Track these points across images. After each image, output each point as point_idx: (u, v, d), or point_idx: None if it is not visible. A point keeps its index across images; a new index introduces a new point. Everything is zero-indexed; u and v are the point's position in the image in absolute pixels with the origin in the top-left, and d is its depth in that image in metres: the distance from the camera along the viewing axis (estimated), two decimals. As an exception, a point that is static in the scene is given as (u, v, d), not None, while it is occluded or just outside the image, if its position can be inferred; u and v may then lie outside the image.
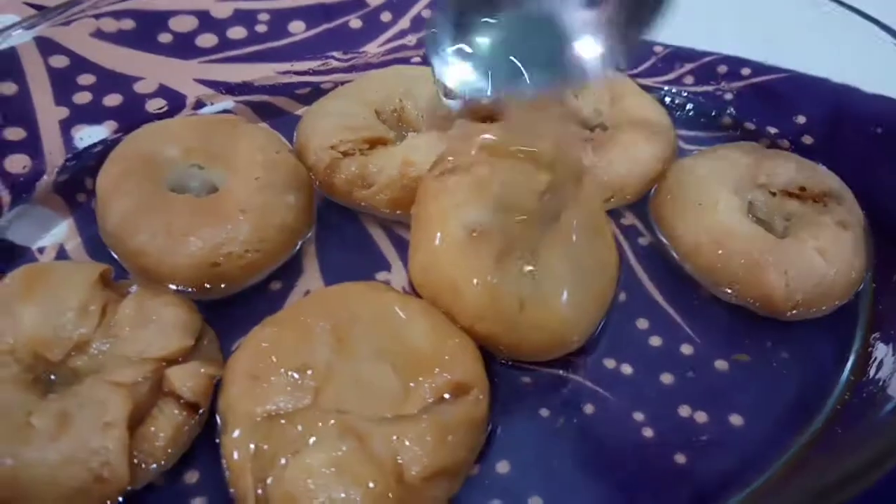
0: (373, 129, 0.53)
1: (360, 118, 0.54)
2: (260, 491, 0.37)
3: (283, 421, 0.38)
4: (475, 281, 0.42)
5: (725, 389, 0.45)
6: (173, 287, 0.47)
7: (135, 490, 0.39)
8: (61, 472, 0.37)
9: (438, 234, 0.44)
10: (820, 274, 0.47)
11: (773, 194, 0.51)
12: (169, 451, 0.40)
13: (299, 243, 0.51)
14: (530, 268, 0.43)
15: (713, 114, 0.62)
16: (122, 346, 0.42)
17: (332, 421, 0.38)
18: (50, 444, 0.37)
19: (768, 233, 0.49)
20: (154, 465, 0.40)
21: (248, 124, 0.54)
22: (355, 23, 0.66)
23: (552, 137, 0.46)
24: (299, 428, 0.38)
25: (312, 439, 0.37)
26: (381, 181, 0.50)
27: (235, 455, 0.38)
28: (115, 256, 0.48)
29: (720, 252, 0.48)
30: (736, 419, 0.44)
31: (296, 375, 0.40)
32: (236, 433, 0.39)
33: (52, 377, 0.42)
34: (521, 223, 0.44)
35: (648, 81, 0.63)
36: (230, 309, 0.48)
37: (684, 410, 0.44)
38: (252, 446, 0.38)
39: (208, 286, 0.47)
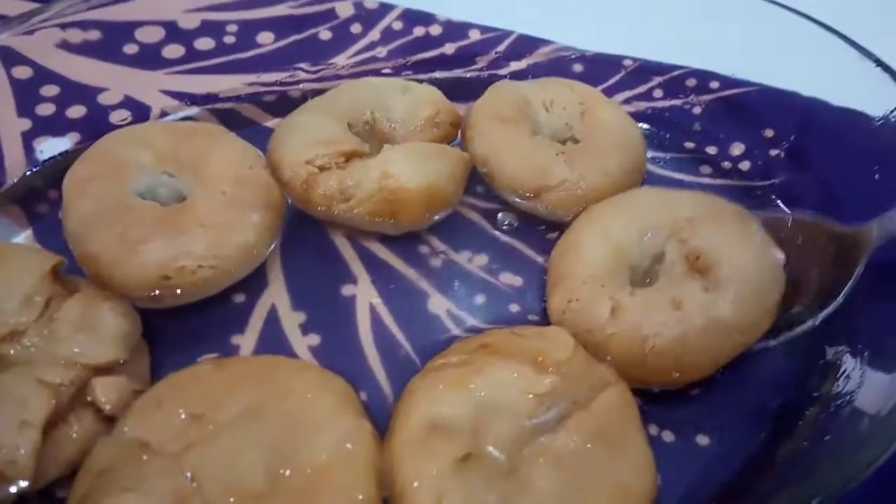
0: (347, 143, 0.52)
1: (333, 131, 0.53)
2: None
3: (145, 456, 0.37)
4: (416, 484, 0.36)
5: (691, 408, 0.45)
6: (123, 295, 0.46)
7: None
8: None
9: (400, 425, 0.39)
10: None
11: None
12: (73, 459, 0.39)
13: (258, 265, 0.50)
14: (502, 482, 0.37)
15: (680, 130, 0.62)
16: (56, 344, 0.41)
17: (177, 483, 0.36)
18: None
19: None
20: (56, 470, 0.39)
21: (226, 135, 0.53)
22: (325, 34, 0.65)
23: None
24: (150, 470, 0.37)
25: (148, 487, 0.36)
26: (360, 195, 0.50)
27: (92, 461, 0.37)
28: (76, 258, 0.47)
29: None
30: (702, 439, 0.44)
31: (191, 422, 0.38)
32: (109, 443, 0.38)
33: None
34: (503, 426, 0.39)
35: (619, 97, 0.63)
36: (190, 319, 0.48)
37: (651, 430, 0.44)
38: (104, 462, 0.37)
39: (156, 298, 0.46)
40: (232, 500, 0.36)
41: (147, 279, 0.45)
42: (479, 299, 0.50)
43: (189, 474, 0.36)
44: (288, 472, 0.37)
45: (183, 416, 0.38)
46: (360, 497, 0.36)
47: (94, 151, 0.50)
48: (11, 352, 0.41)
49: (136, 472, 0.36)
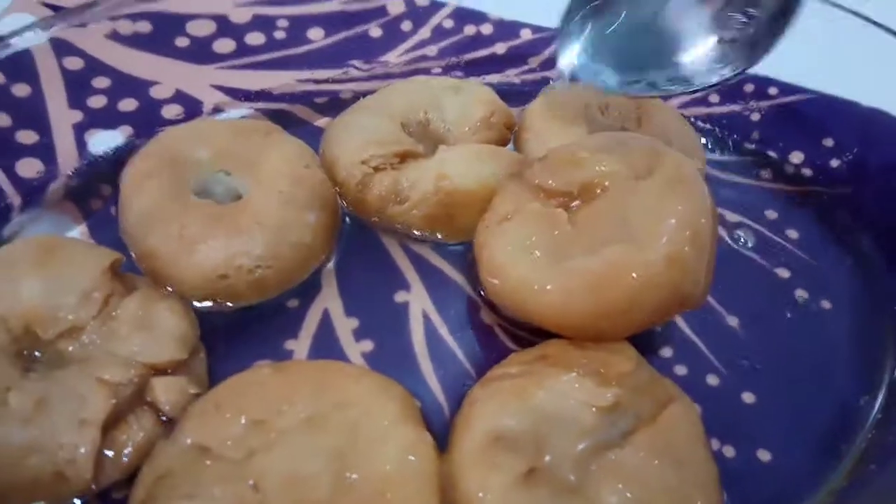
0: (402, 143, 0.51)
1: (387, 131, 0.52)
2: None
3: (208, 462, 0.37)
4: (481, 495, 0.36)
5: (752, 423, 0.44)
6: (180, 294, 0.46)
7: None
8: (24, 459, 0.36)
9: (461, 436, 0.39)
10: None
11: None
12: (133, 461, 0.39)
13: (315, 267, 0.49)
14: (569, 498, 0.36)
15: (738, 136, 0.61)
16: (115, 342, 0.40)
17: (240, 491, 0.36)
18: (21, 426, 0.36)
19: None
20: (116, 473, 0.38)
21: (281, 133, 0.52)
22: (375, 31, 0.64)
23: None
24: (212, 476, 0.36)
25: (210, 494, 0.35)
26: (415, 196, 0.49)
27: (151, 464, 0.37)
28: (131, 255, 0.47)
29: None
30: (763, 454, 0.43)
31: (252, 428, 0.38)
32: (169, 447, 0.38)
33: (36, 354, 0.41)
34: (566, 440, 0.38)
35: (674, 100, 0.62)
36: (244, 323, 0.47)
37: (713, 444, 0.43)
38: (164, 467, 0.37)
39: (215, 298, 0.46)
40: None
41: (205, 278, 0.44)
42: (530, 308, 0.50)
43: (252, 482, 0.36)
44: (352, 484, 0.36)
45: (244, 422, 0.38)
46: None
47: (152, 147, 0.50)
48: (70, 349, 0.40)
49: (198, 479, 0.36)
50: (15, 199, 0.52)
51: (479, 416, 0.39)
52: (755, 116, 0.61)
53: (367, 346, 0.47)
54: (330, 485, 0.36)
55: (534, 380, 0.40)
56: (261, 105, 0.61)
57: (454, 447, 0.39)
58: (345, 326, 0.48)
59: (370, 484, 0.36)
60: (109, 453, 0.38)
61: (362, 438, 0.38)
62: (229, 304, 0.47)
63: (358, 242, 0.52)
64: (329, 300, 0.49)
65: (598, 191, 0.44)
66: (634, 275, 0.39)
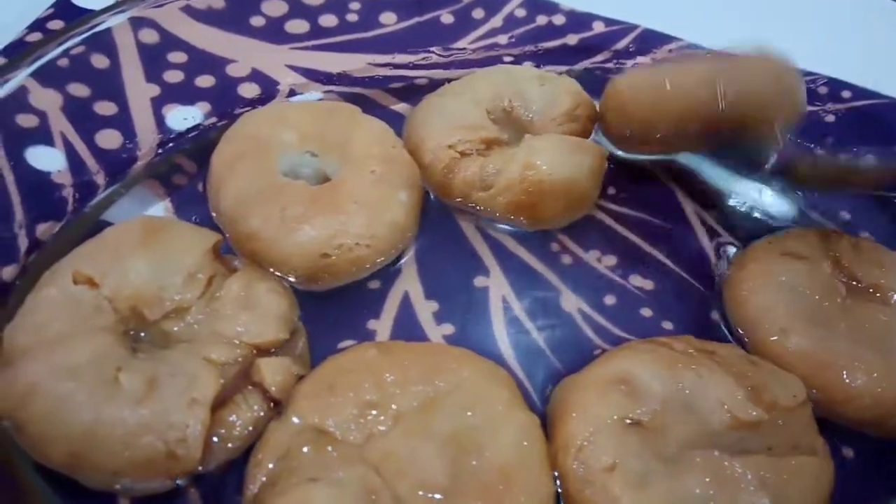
0: (489, 130, 0.52)
1: (473, 118, 0.52)
2: (255, 489, 0.36)
3: (329, 447, 0.37)
4: (574, 415, 0.39)
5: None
6: (278, 274, 0.46)
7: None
8: (137, 439, 0.36)
9: (591, 368, 0.42)
10: None
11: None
12: (242, 441, 0.39)
13: (403, 247, 0.50)
14: (655, 462, 0.37)
15: (813, 137, 0.60)
16: (220, 322, 0.41)
17: (364, 475, 0.36)
18: (134, 406, 0.36)
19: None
20: (224, 453, 0.38)
21: (365, 115, 0.52)
22: (447, 18, 0.64)
23: None
24: (334, 459, 0.36)
25: (335, 477, 0.35)
26: (501, 183, 0.49)
27: (267, 445, 0.37)
28: (226, 236, 0.47)
29: None
30: (847, 451, 0.44)
31: (367, 410, 0.38)
32: (284, 427, 0.38)
33: (142, 334, 0.41)
34: (687, 424, 0.39)
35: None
36: (328, 303, 0.47)
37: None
38: (281, 448, 0.37)
39: (315, 278, 0.46)
40: (421, 493, 0.35)
41: (307, 257, 0.45)
42: (610, 300, 0.50)
43: (374, 467, 0.36)
44: (472, 469, 0.36)
45: (357, 404, 0.38)
46: (545, 494, 0.36)
47: (237, 130, 0.50)
48: (175, 329, 0.41)
49: (321, 462, 0.36)
50: (98, 176, 0.52)
51: (621, 357, 0.41)
52: (830, 118, 0.61)
53: (448, 329, 0.47)
54: (450, 469, 0.36)
55: (691, 362, 0.41)
56: (337, 88, 0.60)
57: (582, 373, 0.41)
58: (425, 309, 0.48)
59: (491, 469, 0.36)
60: (220, 434, 0.38)
61: (478, 423, 0.38)
62: (326, 278, 0.47)
63: (435, 226, 0.52)
64: (409, 283, 0.49)
65: (880, 296, 0.47)
66: (879, 389, 0.42)
